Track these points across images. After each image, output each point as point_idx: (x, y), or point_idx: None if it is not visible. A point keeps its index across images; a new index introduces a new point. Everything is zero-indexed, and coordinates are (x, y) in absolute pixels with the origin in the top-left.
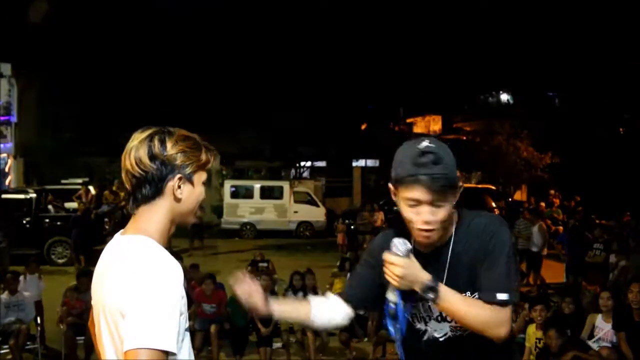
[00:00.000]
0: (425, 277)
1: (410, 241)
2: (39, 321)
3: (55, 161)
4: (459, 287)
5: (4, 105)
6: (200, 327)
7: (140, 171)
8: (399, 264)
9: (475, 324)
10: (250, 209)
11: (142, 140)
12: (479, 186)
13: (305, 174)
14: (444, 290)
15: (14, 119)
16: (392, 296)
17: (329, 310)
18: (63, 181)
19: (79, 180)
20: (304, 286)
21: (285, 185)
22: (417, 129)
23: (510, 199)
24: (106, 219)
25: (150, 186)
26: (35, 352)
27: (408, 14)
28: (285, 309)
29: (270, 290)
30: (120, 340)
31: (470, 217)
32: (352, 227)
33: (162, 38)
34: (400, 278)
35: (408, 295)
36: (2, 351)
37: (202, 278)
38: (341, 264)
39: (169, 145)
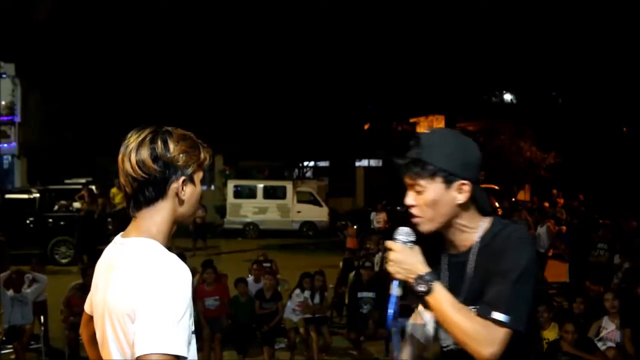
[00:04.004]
0: (422, 268)
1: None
2: (42, 320)
3: (59, 161)
4: (478, 300)
5: (8, 105)
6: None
7: (143, 174)
8: (396, 249)
9: (460, 333)
10: (253, 209)
11: (142, 142)
12: (482, 186)
13: (309, 174)
14: (439, 288)
15: (17, 118)
16: (393, 289)
17: None
18: (66, 181)
19: (82, 180)
20: (312, 287)
21: (288, 185)
22: (421, 128)
23: (513, 199)
24: (109, 219)
25: (153, 189)
26: (39, 351)
27: (411, 13)
28: None
29: (274, 290)
30: (128, 344)
31: (499, 227)
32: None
33: (165, 38)
34: (394, 263)
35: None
36: (6, 351)
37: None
38: (348, 268)
39: (171, 146)
